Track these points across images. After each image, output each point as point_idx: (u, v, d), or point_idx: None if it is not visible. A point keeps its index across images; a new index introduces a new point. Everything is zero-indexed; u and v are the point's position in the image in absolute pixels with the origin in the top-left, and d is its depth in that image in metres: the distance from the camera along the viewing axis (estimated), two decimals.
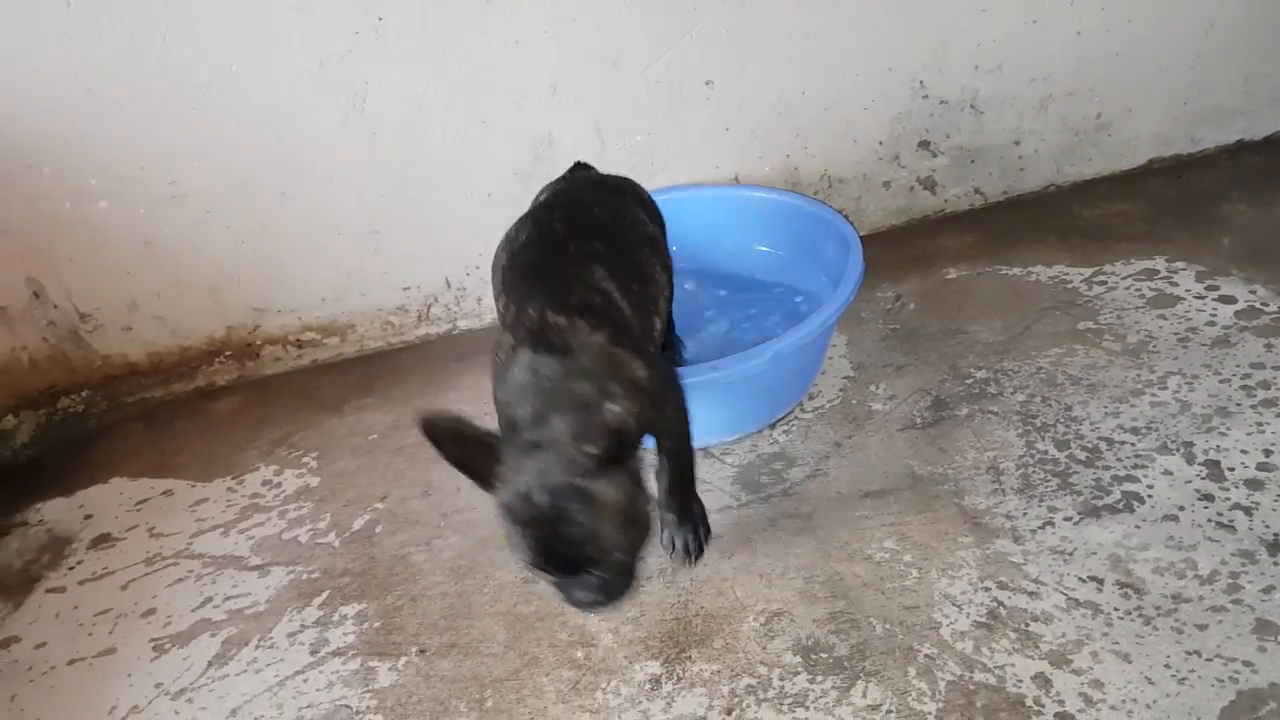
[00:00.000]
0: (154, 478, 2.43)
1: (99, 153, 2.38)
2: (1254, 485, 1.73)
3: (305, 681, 1.77)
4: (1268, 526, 1.64)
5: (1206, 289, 2.26)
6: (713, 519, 1.87)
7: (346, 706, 1.70)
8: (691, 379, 1.84)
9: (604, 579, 1.43)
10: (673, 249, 2.55)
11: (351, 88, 2.37)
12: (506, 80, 2.42)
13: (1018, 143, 2.75)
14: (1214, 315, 2.17)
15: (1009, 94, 2.66)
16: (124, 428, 2.67)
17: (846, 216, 2.28)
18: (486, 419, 2.33)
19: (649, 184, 2.56)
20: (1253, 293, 2.21)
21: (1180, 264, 2.37)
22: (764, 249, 2.51)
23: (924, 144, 2.70)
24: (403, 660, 1.77)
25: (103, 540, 2.24)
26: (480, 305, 2.74)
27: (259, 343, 2.72)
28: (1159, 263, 2.39)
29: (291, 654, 1.84)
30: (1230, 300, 2.20)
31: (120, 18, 2.25)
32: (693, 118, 2.55)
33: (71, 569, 2.17)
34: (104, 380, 2.72)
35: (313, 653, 1.83)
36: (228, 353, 2.72)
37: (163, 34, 2.27)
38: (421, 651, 1.78)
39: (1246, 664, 1.44)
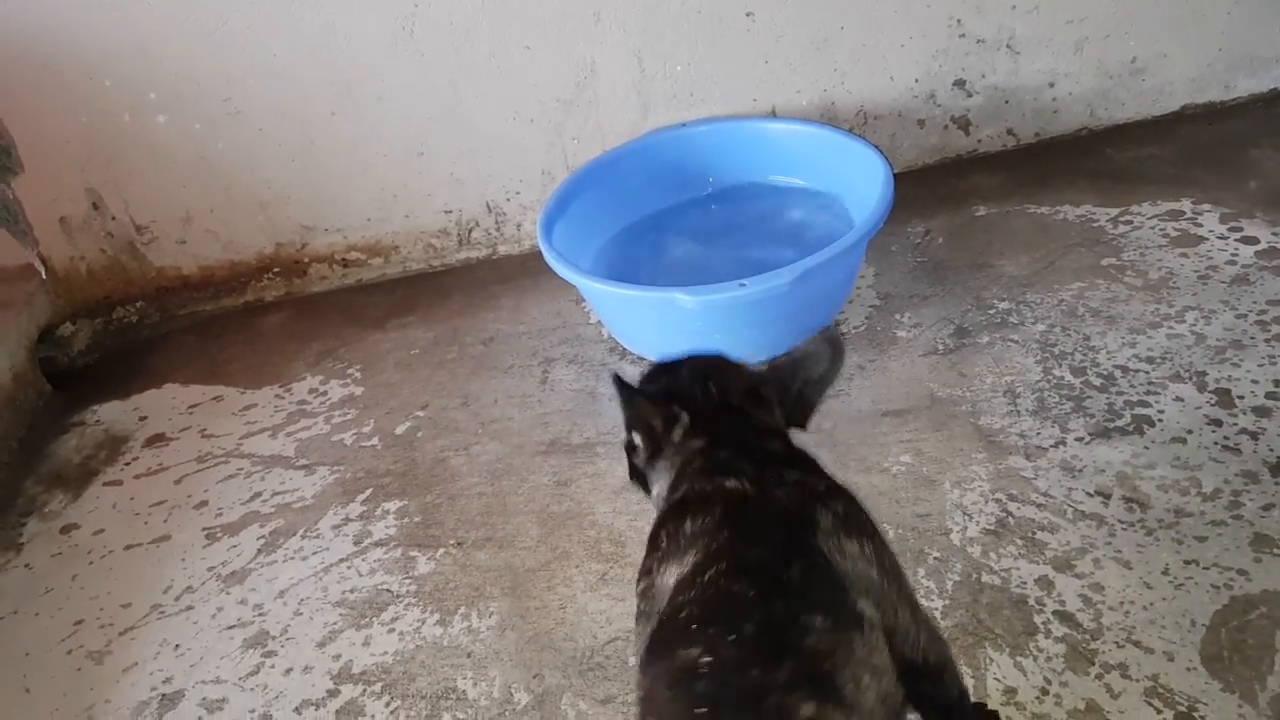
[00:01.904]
0: (205, 384, 2.54)
1: (158, 67, 2.47)
2: (1262, 412, 1.79)
3: (349, 568, 1.89)
4: (1272, 450, 1.71)
5: (1229, 230, 2.30)
6: None
7: (388, 590, 1.82)
8: (718, 295, 1.92)
9: None
10: (709, 179, 2.64)
11: (401, 10, 2.44)
12: (551, 6, 2.48)
13: (1052, 84, 2.77)
14: (1235, 255, 2.21)
15: (1045, 35, 2.68)
16: (176, 338, 2.78)
17: (881, 152, 2.33)
18: (524, 337, 2.45)
19: (688, 114, 2.65)
20: (1275, 234, 2.25)
21: (1206, 206, 2.41)
22: (799, 181, 2.58)
23: (959, 83, 2.74)
24: (440, 551, 1.88)
25: (157, 439, 2.36)
26: (520, 231, 2.81)
27: (306, 260, 2.82)
28: (1185, 204, 2.43)
29: (336, 544, 1.95)
30: (1252, 241, 2.25)
31: None
32: (732, 49, 2.59)
33: (127, 465, 2.30)
34: (157, 292, 2.83)
35: (356, 543, 1.94)
36: (276, 269, 2.82)
37: None
38: (459, 544, 1.89)
39: (1241, 573, 1.52)
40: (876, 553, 1.07)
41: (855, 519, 1.09)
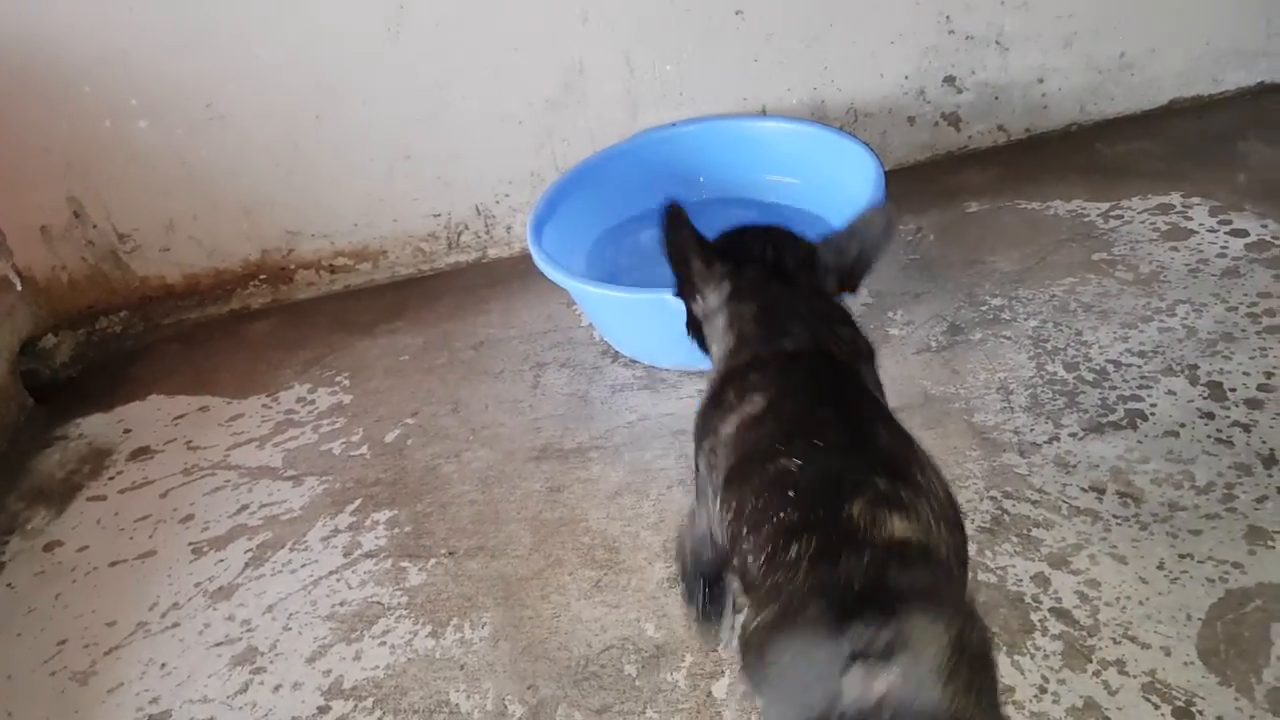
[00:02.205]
0: (191, 395, 2.51)
1: (139, 72, 2.44)
2: (1254, 405, 1.79)
3: (338, 580, 1.86)
4: (1264, 442, 1.71)
5: (1219, 223, 2.30)
6: None
7: (378, 603, 1.79)
8: None
9: None
10: (700, 179, 2.62)
11: (386, 12, 2.41)
12: (538, 7, 2.46)
13: (1042, 80, 2.76)
14: (1225, 247, 2.21)
15: (1034, 30, 2.67)
16: (161, 348, 2.75)
17: (871, 149, 2.32)
18: (514, 341, 2.43)
19: (677, 114, 2.63)
20: (1264, 227, 2.24)
21: (1195, 200, 2.40)
22: (789, 179, 2.56)
23: (949, 79, 2.73)
24: (432, 561, 1.86)
25: (141, 452, 2.33)
26: (510, 234, 2.79)
27: (293, 266, 2.79)
28: (1175, 198, 2.42)
29: (325, 556, 1.93)
30: (1242, 234, 2.24)
31: None
32: (722, 48, 2.58)
33: (112, 479, 2.26)
34: (141, 301, 2.80)
35: (345, 555, 1.92)
36: (262, 276, 2.79)
37: None
38: (450, 553, 1.87)
39: (1236, 565, 1.51)
40: None
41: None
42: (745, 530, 1.11)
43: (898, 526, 1.01)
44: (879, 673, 0.89)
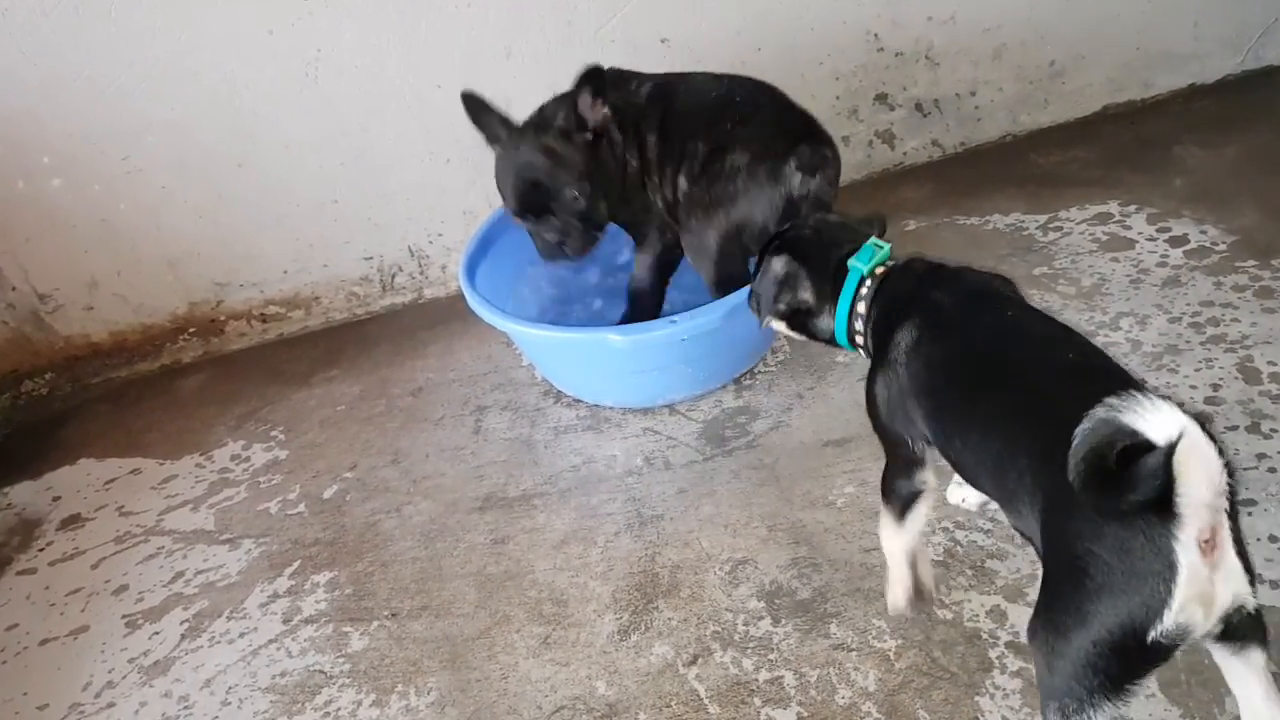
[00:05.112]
0: (122, 457, 2.43)
1: (50, 129, 2.36)
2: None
3: (278, 649, 1.79)
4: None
5: (1158, 230, 2.29)
6: (678, 474, 1.91)
7: (320, 671, 1.72)
8: (650, 335, 1.86)
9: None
10: None
11: (304, 55, 2.36)
12: (460, 44, 2.41)
13: (973, 93, 2.76)
14: (1165, 256, 2.20)
15: (963, 44, 2.67)
16: (90, 408, 2.66)
17: None
18: (454, 385, 2.37)
19: None
20: (1203, 232, 2.24)
21: (1133, 207, 2.39)
22: None
23: (880, 97, 2.71)
24: (375, 624, 1.79)
25: (72, 521, 2.24)
26: (445, 273, 2.74)
27: (223, 318, 2.71)
28: (1112, 207, 2.42)
29: (264, 623, 1.85)
30: (1181, 241, 2.23)
31: None
32: None
33: (41, 550, 2.18)
34: (67, 361, 2.71)
35: (285, 621, 1.85)
36: (192, 329, 2.72)
37: (109, 6, 2.24)
38: (393, 615, 1.80)
39: None
40: None
41: None
42: None
43: None
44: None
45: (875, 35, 2.60)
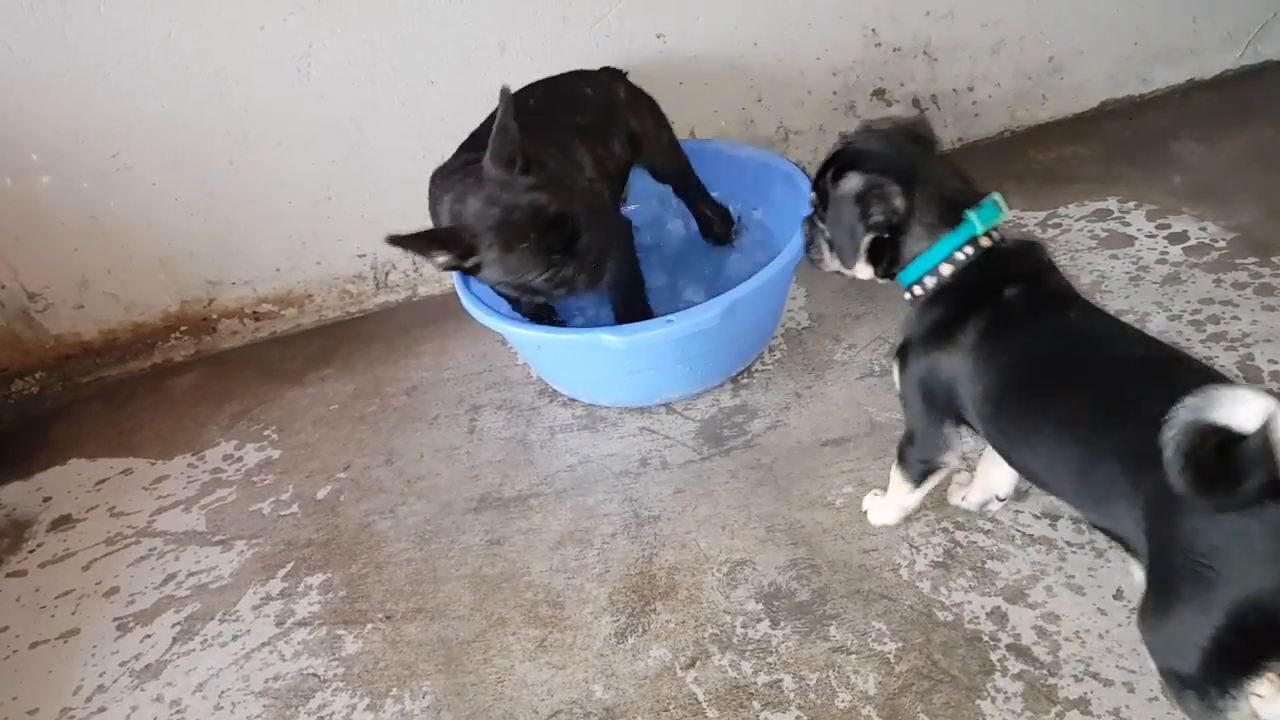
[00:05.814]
0: (113, 457, 2.40)
1: (38, 127, 2.33)
2: None
3: (271, 652, 1.77)
4: None
5: (1157, 227, 2.27)
6: (675, 474, 1.89)
7: (314, 675, 1.70)
8: (645, 334, 1.84)
9: None
10: (632, 207, 2.55)
11: (295, 51, 2.33)
12: (453, 39, 2.39)
13: (971, 88, 2.74)
14: (1165, 253, 2.18)
15: (961, 39, 2.65)
16: (81, 408, 2.64)
17: (803, 168, 2.27)
18: (449, 384, 2.35)
19: None
20: (1203, 229, 2.22)
21: (1132, 204, 2.38)
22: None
23: (878, 93, 2.69)
24: (369, 627, 1.77)
25: (63, 522, 2.22)
26: (439, 271, 2.70)
27: (215, 316, 2.69)
28: (1111, 203, 2.40)
29: (257, 626, 1.83)
30: (1181, 237, 2.22)
31: None
32: (645, 71, 2.49)
33: (32, 552, 2.15)
34: (58, 361, 2.68)
35: (278, 624, 1.83)
36: (183, 328, 2.69)
37: (97, 2, 2.21)
38: (387, 618, 1.78)
39: None
40: None
41: None
42: None
43: None
44: None
45: (873, 30, 2.58)
